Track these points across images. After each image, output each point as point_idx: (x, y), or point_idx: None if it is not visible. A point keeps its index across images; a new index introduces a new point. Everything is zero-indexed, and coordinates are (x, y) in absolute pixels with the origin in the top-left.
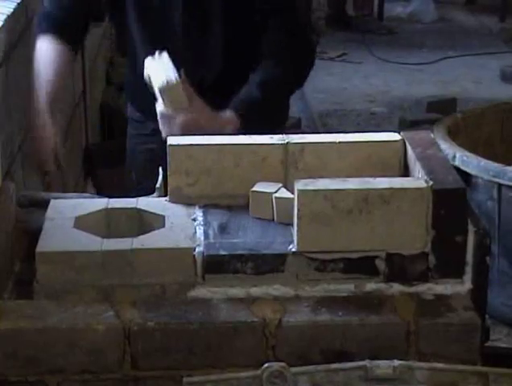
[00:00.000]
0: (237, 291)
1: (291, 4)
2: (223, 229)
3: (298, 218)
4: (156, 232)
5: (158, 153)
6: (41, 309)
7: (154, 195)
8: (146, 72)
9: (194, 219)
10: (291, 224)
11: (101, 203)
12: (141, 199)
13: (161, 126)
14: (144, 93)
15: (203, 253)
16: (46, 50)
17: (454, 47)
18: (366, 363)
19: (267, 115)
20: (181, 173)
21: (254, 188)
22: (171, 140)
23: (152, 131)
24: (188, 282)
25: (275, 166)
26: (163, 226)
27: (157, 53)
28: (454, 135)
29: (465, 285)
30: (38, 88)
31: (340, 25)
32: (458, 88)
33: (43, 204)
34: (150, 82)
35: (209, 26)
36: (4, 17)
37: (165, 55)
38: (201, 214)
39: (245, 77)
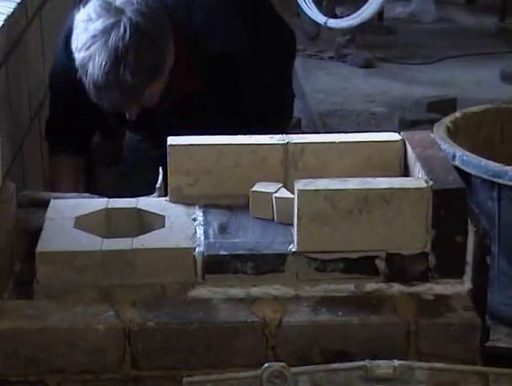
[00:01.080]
0: (237, 291)
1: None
2: (223, 229)
3: (298, 218)
4: (156, 232)
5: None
6: (41, 309)
7: (154, 195)
8: None
9: (194, 219)
10: (291, 224)
11: (101, 203)
12: (141, 199)
13: None
14: None
15: (203, 253)
16: (60, 170)
17: (454, 47)
18: (366, 363)
19: None
20: (181, 173)
21: (254, 188)
22: (171, 140)
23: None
24: (188, 282)
25: (275, 166)
26: (163, 226)
27: None
28: (454, 135)
29: (465, 285)
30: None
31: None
32: (458, 88)
33: (43, 204)
34: None
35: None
36: (4, 17)
37: None
38: (201, 214)
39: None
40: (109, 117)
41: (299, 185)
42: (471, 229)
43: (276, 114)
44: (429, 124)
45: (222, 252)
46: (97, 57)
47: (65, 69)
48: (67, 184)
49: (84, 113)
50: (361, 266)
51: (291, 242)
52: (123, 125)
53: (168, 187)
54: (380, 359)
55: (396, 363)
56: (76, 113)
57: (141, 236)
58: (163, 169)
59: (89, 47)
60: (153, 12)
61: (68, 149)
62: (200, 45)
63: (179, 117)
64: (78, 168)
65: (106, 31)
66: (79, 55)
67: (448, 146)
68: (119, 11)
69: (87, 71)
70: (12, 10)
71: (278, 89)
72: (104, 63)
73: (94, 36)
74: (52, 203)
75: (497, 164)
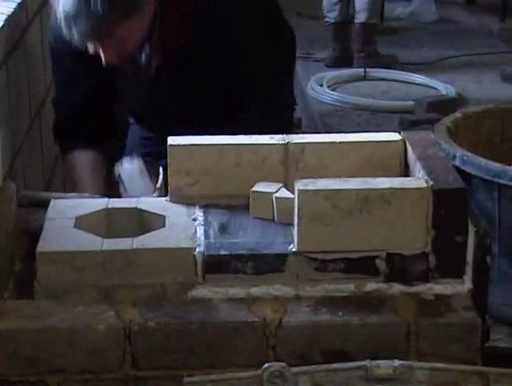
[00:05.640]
0: (238, 291)
1: (270, 87)
2: (223, 229)
3: (298, 218)
4: (156, 231)
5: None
6: (41, 309)
7: (155, 195)
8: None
9: (194, 219)
10: (292, 224)
11: (101, 203)
12: (141, 199)
13: None
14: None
15: (203, 253)
16: (80, 169)
17: (454, 47)
18: (366, 363)
19: None
20: (181, 173)
21: (255, 188)
22: (171, 140)
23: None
24: (189, 282)
25: (276, 166)
26: (164, 226)
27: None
28: (454, 135)
29: (465, 285)
30: None
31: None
32: (458, 88)
33: (44, 204)
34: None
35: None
36: (4, 17)
37: (137, 162)
38: (202, 214)
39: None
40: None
41: (300, 185)
42: (471, 229)
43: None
44: (429, 124)
45: (222, 252)
46: None
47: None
48: (90, 180)
49: (89, 85)
50: (362, 266)
51: (291, 242)
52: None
53: (169, 187)
54: (380, 359)
55: (396, 363)
56: (82, 87)
57: (141, 236)
58: (163, 169)
59: None
60: None
61: (81, 143)
62: None
63: (170, 80)
64: (97, 162)
65: None
66: None
67: (448, 146)
68: None
69: (59, 3)
70: (12, 10)
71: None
72: None
73: None
74: (52, 203)
75: (497, 164)
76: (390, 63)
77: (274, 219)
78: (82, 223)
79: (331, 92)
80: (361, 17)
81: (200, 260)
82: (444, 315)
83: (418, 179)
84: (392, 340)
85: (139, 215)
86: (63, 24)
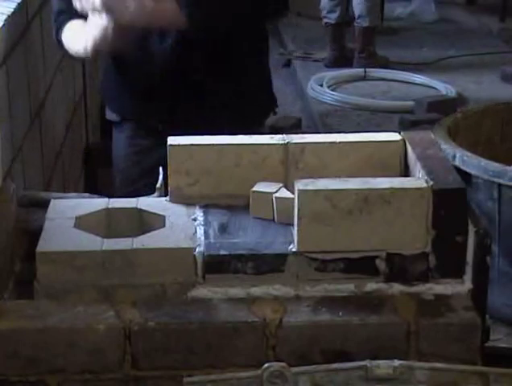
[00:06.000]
0: (238, 291)
1: None
2: (223, 229)
3: (298, 218)
4: (156, 231)
5: (139, 157)
6: (41, 309)
7: (155, 195)
8: None
9: (194, 219)
10: (292, 224)
11: (101, 203)
12: (141, 198)
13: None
14: (119, 93)
15: (203, 253)
16: (74, 28)
17: (454, 47)
18: (366, 363)
19: (219, 16)
20: (181, 173)
21: (255, 188)
22: (171, 140)
23: (131, 133)
24: (189, 282)
25: (276, 166)
26: (164, 226)
27: None
28: (454, 135)
29: (465, 285)
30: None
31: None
32: (458, 88)
33: (44, 204)
34: None
35: None
36: (4, 17)
37: None
38: (201, 214)
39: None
40: None
41: (300, 185)
42: (471, 229)
43: None
44: (429, 124)
45: (222, 252)
46: None
47: None
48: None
49: None
50: (362, 266)
51: (291, 242)
52: None
53: (169, 187)
54: (380, 359)
55: (396, 363)
56: None
57: (141, 236)
58: (163, 169)
59: None
60: None
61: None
62: None
63: None
64: None
65: None
66: None
67: (448, 146)
68: None
69: None
70: (12, 10)
71: None
72: None
73: None
74: (52, 203)
75: (497, 164)
76: (383, 64)
77: (274, 219)
78: (82, 223)
79: (331, 92)
80: (362, 22)
81: (200, 260)
82: (444, 315)
83: (418, 179)
84: (392, 340)
85: (139, 215)
86: None
